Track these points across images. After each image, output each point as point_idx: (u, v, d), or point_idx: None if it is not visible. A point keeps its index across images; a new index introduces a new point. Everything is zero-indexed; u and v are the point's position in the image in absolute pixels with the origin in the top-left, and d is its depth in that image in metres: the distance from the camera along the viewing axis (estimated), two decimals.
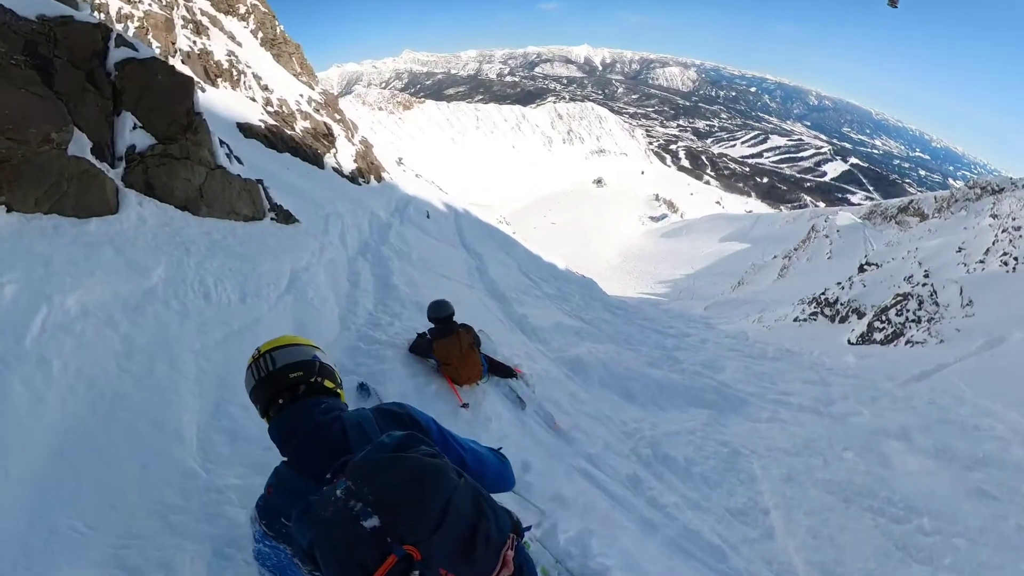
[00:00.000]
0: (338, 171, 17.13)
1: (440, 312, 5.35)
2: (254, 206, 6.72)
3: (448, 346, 5.16)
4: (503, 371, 5.70)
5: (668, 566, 3.48)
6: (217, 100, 13.82)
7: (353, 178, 17.91)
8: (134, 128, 5.23)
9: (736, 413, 6.50)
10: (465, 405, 4.89)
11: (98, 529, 2.40)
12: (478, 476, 1.81)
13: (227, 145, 7.59)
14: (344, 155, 18.89)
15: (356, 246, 9.77)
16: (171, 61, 14.00)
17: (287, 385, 1.88)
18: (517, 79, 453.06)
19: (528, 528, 1.76)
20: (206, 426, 3.28)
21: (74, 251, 3.82)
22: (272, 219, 7.15)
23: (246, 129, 13.75)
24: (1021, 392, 8.36)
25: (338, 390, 2.02)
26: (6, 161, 3.65)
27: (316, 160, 16.06)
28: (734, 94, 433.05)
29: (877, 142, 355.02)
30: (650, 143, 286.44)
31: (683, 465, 5.09)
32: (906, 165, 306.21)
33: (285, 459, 1.85)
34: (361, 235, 10.89)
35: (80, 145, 4.42)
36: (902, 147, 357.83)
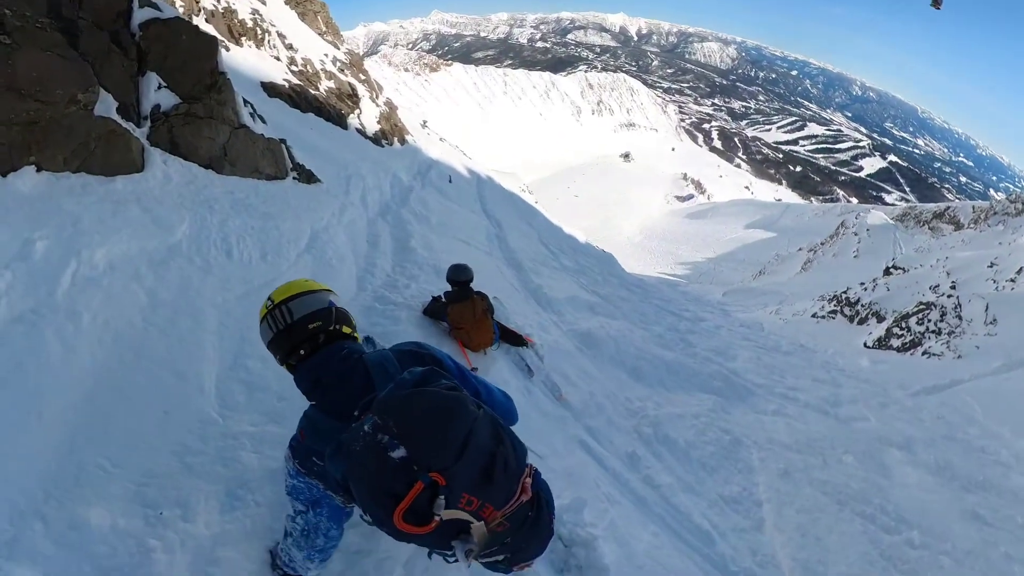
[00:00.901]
0: (361, 132, 17.11)
1: (459, 275, 5.44)
2: (277, 165, 6.82)
3: (462, 310, 5.27)
4: (514, 339, 5.80)
5: (654, 544, 3.59)
6: (241, 59, 13.75)
7: (376, 140, 17.89)
8: (159, 88, 5.31)
9: (742, 402, 6.57)
10: (474, 369, 4.92)
11: (122, 467, 2.60)
12: (488, 405, 1.88)
13: (251, 104, 7.61)
14: (368, 116, 18.82)
15: (377, 208, 9.77)
16: (195, 20, 13.88)
17: (307, 336, 1.96)
18: (548, 45, 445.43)
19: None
20: (225, 377, 3.46)
21: (102, 208, 3.96)
22: (294, 178, 7.26)
23: (270, 88, 13.73)
24: None
25: (355, 334, 2.11)
26: (35, 123, 3.75)
27: (339, 121, 16.05)
28: (774, 76, 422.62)
29: (919, 142, 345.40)
30: (682, 120, 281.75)
31: (683, 448, 5.19)
32: (947, 169, 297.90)
33: (313, 403, 1.95)
34: (382, 197, 10.88)
35: (106, 105, 4.48)
36: (945, 150, 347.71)
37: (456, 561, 1.49)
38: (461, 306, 5.28)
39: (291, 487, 2.09)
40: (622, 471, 4.52)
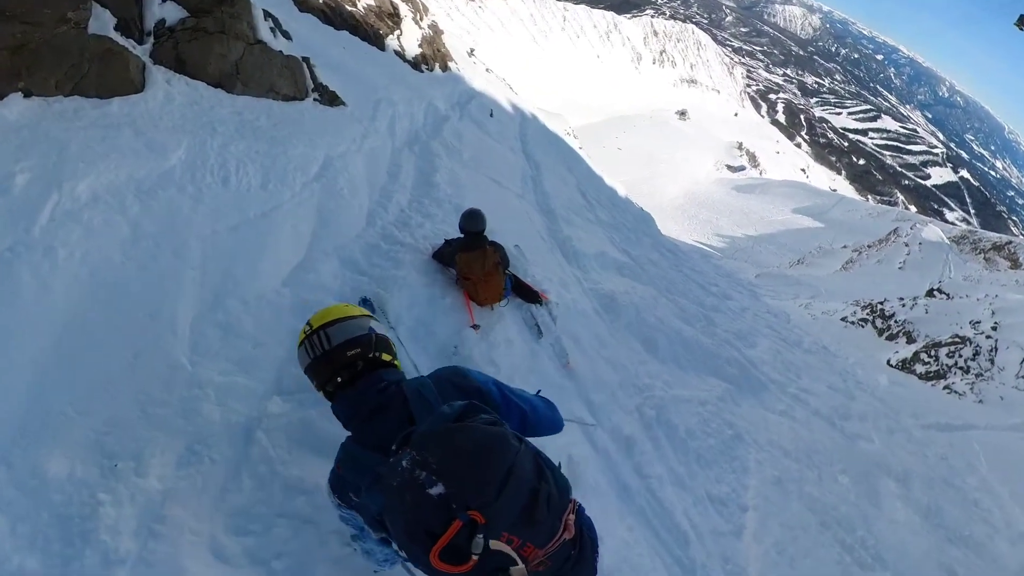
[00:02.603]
0: (400, 55, 16.47)
1: (472, 224, 5.23)
2: (296, 85, 6.62)
3: (471, 261, 5.08)
4: (528, 294, 5.65)
5: (627, 540, 3.65)
6: None
7: (416, 64, 17.31)
8: (163, 1, 5.10)
9: (752, 396, 6.57)
10: (476, 327, 4.87)
11: (85, 415, 2.67)
12: (534, 424, 2.08)
13: (273, 18, 7.32)
14: (409, 38, 18.12)
15: (405, 137, 9.36)
16: None
17: (345, 363, 2.01)
18: None
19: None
20: (201, 318, 3.44)
21: (91, 134, 3.82)
22: (315, 100, 7.06)
23: (301, 2, 12.96)
24: None
25: (395, 361, 2.14)
26: (22, 47, 3.64)
27: (377, 41, 15.42)
28: (856, 56, 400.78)
29: (998, 163, 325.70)
30: (748, 85, 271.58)
31: (682, 436, 5.14)
32: (1020, 201, 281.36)
33: (350, 434, 2.01)
34: (413, 125, 10.39)
35: (102, 23, 4.35)
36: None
37: None
38: (470, 256, 5.09)
39: (339, 517, 2.14)
40: (614, 455, 4.51)
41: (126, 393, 2.83)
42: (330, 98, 7.46)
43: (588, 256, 8.61)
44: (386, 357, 2.09)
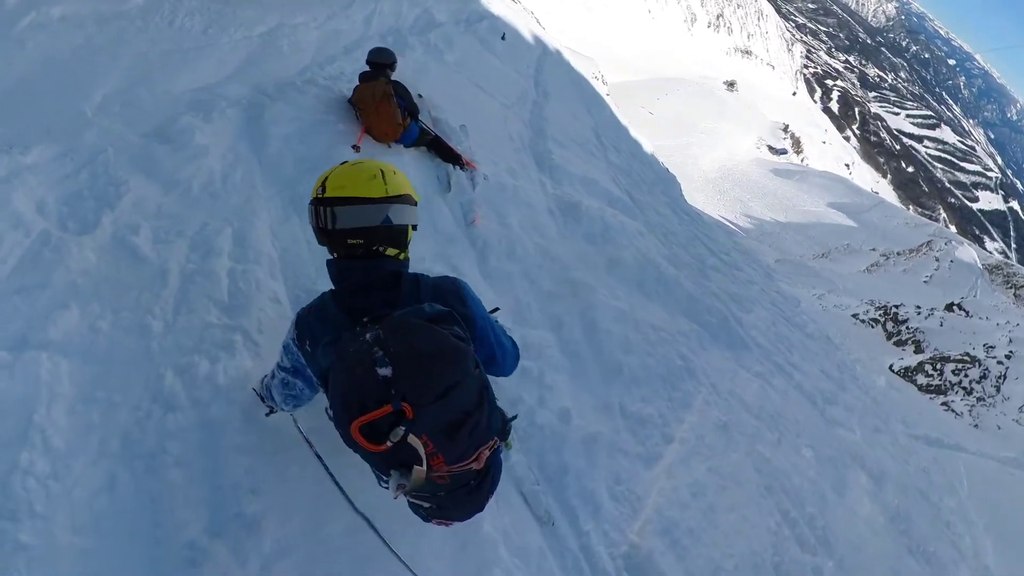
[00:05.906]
0: None
1: (373, 56, 5.46)
2: None
3: (363, 91, 5.26)
4: (448, 154, 5.57)
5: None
6: None
7: None
8: None
9: (728, 349, 5.67)
10: (356, 148, 4.97)
11: (4, 126, 3.82)
12: (498, 368, 2.20)
13: None
14: None
15: (381, 30, 8.52)
16: None
17: (344, 248, 1.98)
18: None
19: (514, 417, 2.14)
20: (112, 95, 4.49)
21: None
22: None
23: None
24: (1009, 525, 7.97)
25: (400, 255, 2.06)
26: None
27: None
28: (927, 57, 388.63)
29: None
30: (805, 66, 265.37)
31: (608, 347, 4.38)
32: None
33: (334, 290, 2.05)
34: (397, 23, 9.30)
35: None
36: None
37: (386, 488, 1.66)
38: (364, 86, 5.27)
39: (286, 344, 2.23)
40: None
41: (38, 122, 3.95)
42: None
43: (571, 175, 7.55)
44: (391, 252, 2.01)
